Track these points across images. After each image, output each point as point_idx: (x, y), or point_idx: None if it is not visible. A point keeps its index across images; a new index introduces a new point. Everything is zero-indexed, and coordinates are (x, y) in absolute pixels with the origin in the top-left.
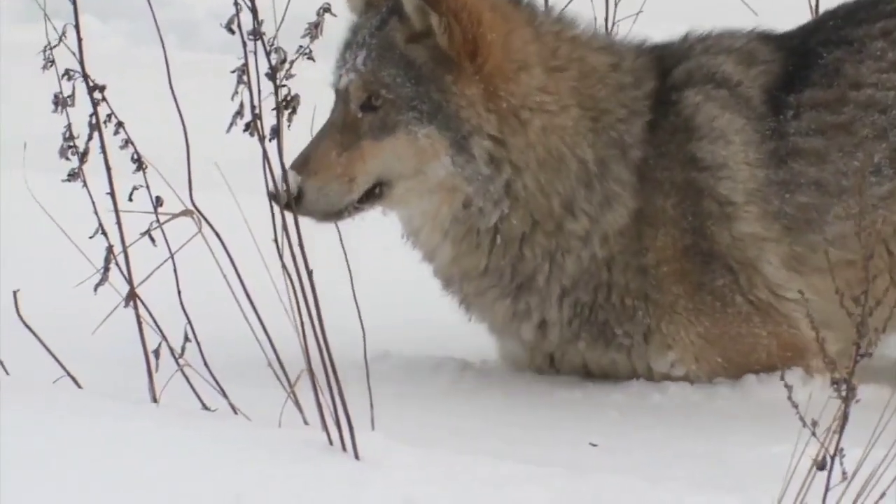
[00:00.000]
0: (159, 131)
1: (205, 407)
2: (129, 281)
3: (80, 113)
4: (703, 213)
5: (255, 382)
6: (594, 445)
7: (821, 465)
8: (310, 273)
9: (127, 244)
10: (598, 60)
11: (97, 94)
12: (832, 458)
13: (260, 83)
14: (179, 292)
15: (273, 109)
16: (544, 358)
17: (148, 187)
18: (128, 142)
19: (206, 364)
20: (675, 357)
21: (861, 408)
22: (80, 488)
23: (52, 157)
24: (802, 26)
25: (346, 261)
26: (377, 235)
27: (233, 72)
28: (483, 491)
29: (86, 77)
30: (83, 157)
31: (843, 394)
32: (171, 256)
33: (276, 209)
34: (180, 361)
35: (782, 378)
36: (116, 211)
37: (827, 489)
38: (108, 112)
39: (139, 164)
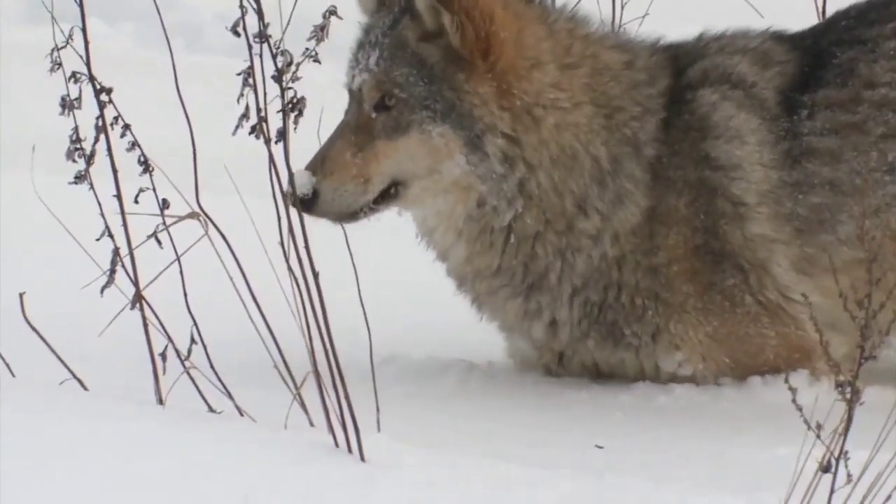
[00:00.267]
0: (166, 134)
1: (211, 409)
2: (136, 283)
3: (87, 115)
4: (715, 213)
5: (260, 384)
6: (600, 447)
7: (826, 468)
8: (316, 275)
9: (133, 246)
10: (611, 58)
11: (104, 97)
12: (837, 461)
13: (266, 86)
14: (185, 294)
15: (279, 112)
16: (553, 357)
17: (154, 189)
18: (134, 144)
19: (211, 366)
20: (683, 357)
21: (866, 410)
22: (85, 489)
23: (59, 159)
24: (815, 26)
25: (352, 263)
26: (380, 237)
27: (239, 74)
28: (489, 493)
29: (92, 79)
30: (90, 159)
31: (848, 396)
32: (178, 259)
33: (283, 211)
34: (186, 363)
35: (787, 380)
36: (123, 213)
37: (832, 492)
38: (115, 114)
39: (146, 166)
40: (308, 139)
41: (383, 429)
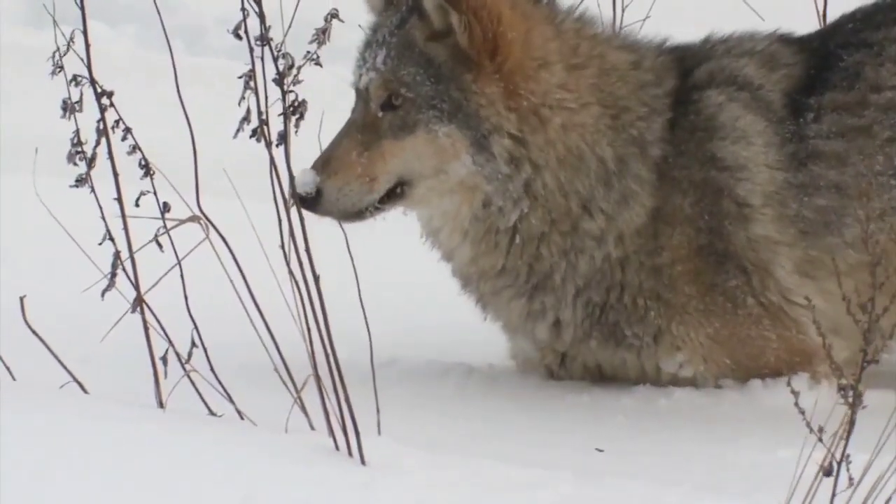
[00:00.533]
0: (166, 137)
1: (211, 412)
2: (136, 286)
3: (88, 118)
4: (720, 213)
5: (261, 387)
6: (601, 450)
7: (827, 471)
8: (316, 278)
9: (134, 250)
10: (618, 58)
11: (105, 100)
12: (838, 464)
13: (267, 89)
14: (186, 297)
15: (280, 115)
16: (556, 358)
17: (155, 193)
18: (135, 147)
19: (212, 369)
20: (684, 358)
21: (867, 414)
22: (85, 492)
23: (60, 162)
24: (821, 29)
25: (353, 266)
26: (381, 240)
27: (240, 77)
28: (490, 495)
29: (93, 82)
30: (91, 162)
31: (850, 400)
32: (179, 262)
33: (284, 214)
34: (187, 367)
35: (789, 383)
36: (123, 216)
37: (833, 495)
38: (116, 117)
39: (146, 169)
40: (309, 142)
41: (384, 431)
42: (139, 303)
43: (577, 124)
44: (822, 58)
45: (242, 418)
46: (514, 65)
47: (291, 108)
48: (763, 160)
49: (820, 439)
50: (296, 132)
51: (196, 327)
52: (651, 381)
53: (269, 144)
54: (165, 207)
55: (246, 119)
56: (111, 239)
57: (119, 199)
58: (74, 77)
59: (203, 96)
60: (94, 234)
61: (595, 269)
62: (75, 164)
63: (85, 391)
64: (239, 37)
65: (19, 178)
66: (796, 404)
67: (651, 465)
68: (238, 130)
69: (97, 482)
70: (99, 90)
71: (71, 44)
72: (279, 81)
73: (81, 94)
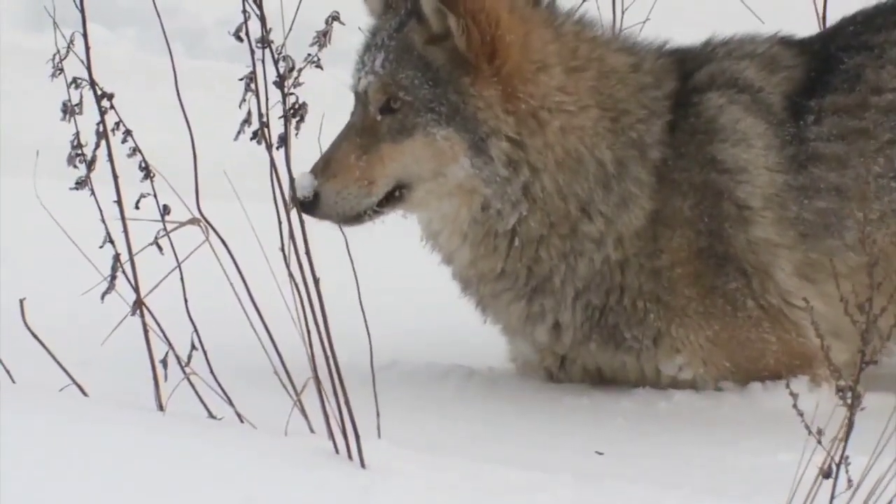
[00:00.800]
0: (167, 139)
1: (211, 415)
2: (136, 289)
3: (88, 121)
4: (720, 216)
5: (261, 390)
6: (600, 453)
7: (827, 474)
8: (316, 281)
9: (134, 252)
10: (617, 61)
11: (105, 103)
12: (838, 467)
13: (268, 91)
14: (186, 300)
15: (281, 117)
16: (555, 360)
17: (155, 195)
18: (135, 150)
19: (212, 372)
20: (684, 360)
21: (866, 416)
22: (85, 495)
23: (60, 164)
24: (822, 31)
25: (353, 269)
26: (381, 243)
27: (240, 80)
28: (490, 498)
29: (93, 85)
30: (91, 165)
31: (849, 402)
32: (179, 265)
33: (284, 217)
34: (186, 369)
35: (788, 386)
36: (123, 219)
37: (833, 497)
38: (116, 120)
39: (147, 172)
40: (309, 145)
41: (383, 434)
42: (139, 306)
43: (576, 127)
44: (822, 60)
45: (242, 421)
46: (513, 68)
47: (292, 111)
48: (763, 163)
49: (819, 442)
50: (296, 134)
51: (196, 330)
52: (651, 383)
53: (269, 147)
54: (165, 210)
55: (246, 121)
56: (111, 241)
57: (119, 202)
58: (74, 79)
59: (203, 99)
60: (94, 237)
61: (594, 271)
62: (75, 166)
63: (85, 394)
64: (240, 39)
65: (19, 181)
66: (795, 407)
67: (651, 467)
68: (239, 133)
69: (97, 485)
70: (99, 93)
71: (71, 46)
72: (280, 84)
73: (81, 97)
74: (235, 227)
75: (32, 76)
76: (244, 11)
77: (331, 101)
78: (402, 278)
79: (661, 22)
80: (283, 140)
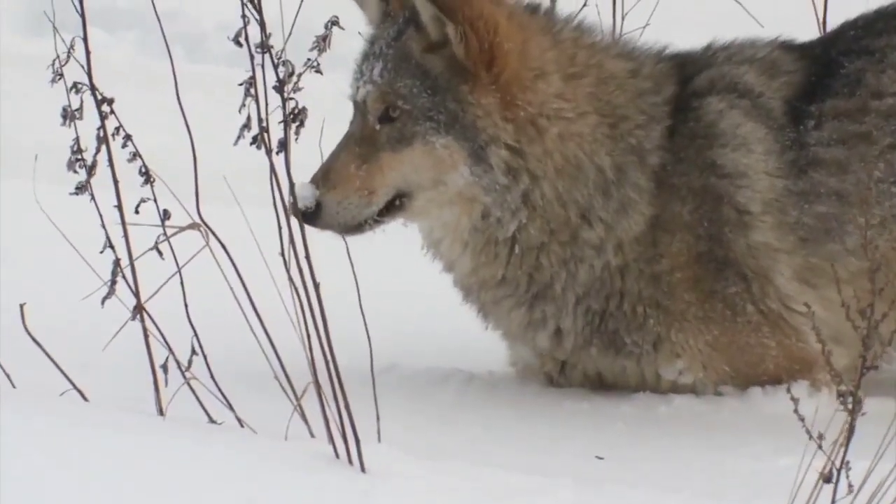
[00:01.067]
0: (166, 144)
1: (211, 420)
2: (136, 294)
3: (88, 125)
4: (720, 220)
5: (261, 395)
6: (600, 458)
7: (827, 478)
8: (316, 286)
9: (134, 257)
10: (616, 66)
11: (105, 107)
12: (838, 471)
13: (267, 96)
14: (186, 305)
15: (280, 122)
16: (555, 365)
17: (155, 200)
18: (135, 154)
19: (212, 377)
20: (684, 365)
21: (867, 420)
22: (84, 499)
23: (60, 169)
24: (823, 36)
25: (353, 273)
26: (381, 247)
27: (240, 84)
28: (490, 502)
29: (94, 89)
30: (91, 169)
31: (850, 406)
32: (179, 270)
33: (284, 221)
34: (187, 374)
35: (788, 391)
36: (123, 224)
37: (833, 502)
38: (116, 125)
39: (147, 176)
40: (309, 150)
41: (384, 438)
42: (139, 310)
43: (575, 134)
44: (823, 65)
45: (242, 426)
46: (511, 75)
47: (292, 116)
48: (763, 167)
49: (820, 446)
50: (296, 139)
51: (196, 334)
52: (651, 388)
53: (269, 152)
54: (165, 215)
55: (246, 126)
56: (111, 246)
57: (119, 207)
58: (75, 84)
59: (203, 103)
60: (94, 242)
61: (594, 277)
62: (75, 171)
63: (85, 398)
64: (239, 44)
65: (19, 185)
66: (796, 411)
67: (651, 472)
68: (238, 137)
69: (97, 489)
70: (99, 97)
71: (71, 51)
72: (279, 89)
73: (81, 101)
74: (235, 231)
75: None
76: (244, 16)
77: (331, 105)
78: (401, 282)
79: (661, 27)
80: (283, 145)
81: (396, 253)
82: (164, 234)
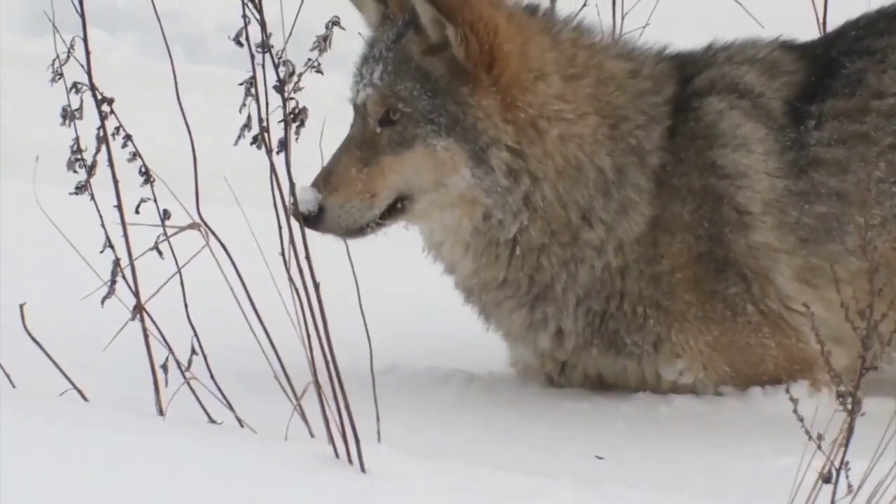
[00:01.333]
0: (167, 144)
1: (211, 420)
2: (136, 294)
3: (88, 125)
4: (720, 220)
5: (261, 395)
6: (601, 458)
7: (826, 478)
8: (316, 286)
9: (134, 257)
10: (616, 67)
11: (105, 107)
12: (838, 471)
13: (268, 96)
14: (186, 305)
15: (281, 122)
16: (556, 366)
17: (155, 200)
18: (135, 154)
19: (212, 377)
20: (684, 365)
21: (866, 421)
22: (85, 500)
23: (60, 169)
24: (823, 36)
25: (353, 273)
26: (381, 248)
27: (241, 84)
28: (490, 503)
29: (94, 90)
30: (91, 169)
31: (849, 407)
32: (179, 270)
33: (284, 222)
34: (187, 374)
35: (788, 391)
36: (123, 224)
37: (833, 501)
38: (116, 125)
39: (147, 176)
40: (310, 150)
41: (384, 439)
42: (139, 310)
43: (575, 135)
44: (823, 65)
45: (242, 426)
46: (511, 77)
47: (292, 116)
48: (763, 168)
49: (819, 447)
50: (296, 139)
51: (196, 334)
52: (651, 388)
53: (269, 152)
54: (166, 215)
55: (247, 126)
56: (111, 246)
57: (119, 207)
58: (74, 84)
59: (203, 103)
60: (93, 242)
61: (595, 278)
62: (75, 171)
63: (85, 398)
64: (240, 44)
65: (19, 185)
66: (796, 411)
67: (651, 472)
68: (239, 137)
69: (97, 489)
70: (99, 97)
71: (71, 51)
72: (280, 89)
73: (81, 101)
74: (235, 231)
75: (32, 80)
76: (244, 16)
77: (331, 105)
78: (401, 283)
79: (661, 27)
80: (284, 145)
81: (397, 255)
82: (164, 234)
